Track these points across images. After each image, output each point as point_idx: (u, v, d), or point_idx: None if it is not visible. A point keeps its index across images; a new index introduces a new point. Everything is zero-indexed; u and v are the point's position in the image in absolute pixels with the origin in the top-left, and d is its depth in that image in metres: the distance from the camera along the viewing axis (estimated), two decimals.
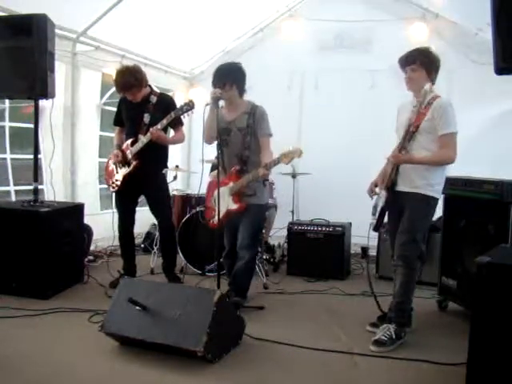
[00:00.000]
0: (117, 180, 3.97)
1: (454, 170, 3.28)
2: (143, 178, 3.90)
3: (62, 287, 3.81)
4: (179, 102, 4.28)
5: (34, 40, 3.52)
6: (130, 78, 3.76)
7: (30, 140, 4.15)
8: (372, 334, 3.00)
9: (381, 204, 3.06)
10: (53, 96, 3.78)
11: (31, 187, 3.92)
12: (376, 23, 5.48)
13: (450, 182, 3.33)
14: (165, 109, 3.85)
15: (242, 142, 3.48)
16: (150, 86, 4.00)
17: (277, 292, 4.08)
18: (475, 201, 3.31)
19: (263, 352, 2.82)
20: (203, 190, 3.86)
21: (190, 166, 6.49)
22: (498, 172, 3.41)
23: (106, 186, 4.30)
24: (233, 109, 3.54)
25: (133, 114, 3.94)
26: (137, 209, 4.20)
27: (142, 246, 5.40)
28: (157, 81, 5.29)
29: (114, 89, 4.42)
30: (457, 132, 2.91)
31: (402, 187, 3.02)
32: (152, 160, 3.90)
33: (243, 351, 2.81)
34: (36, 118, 3.84)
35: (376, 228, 3.10)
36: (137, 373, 2.51)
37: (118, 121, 4.11)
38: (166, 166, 4.12)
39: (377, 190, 3.15)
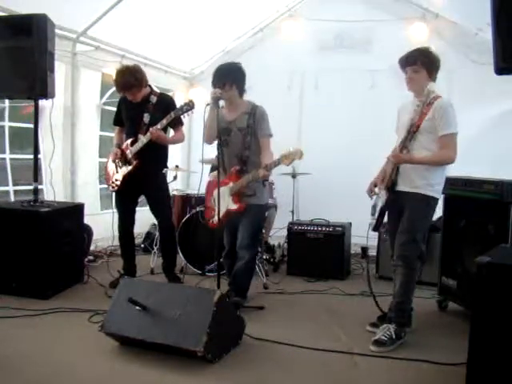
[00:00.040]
0: (117, 180, 3.97)
1: (454, 170, 3.28)
2: (143, 178, 3.90)
3: (62, 287, 3.81)
4: (179, 102, 4.28)
5: (33, 40, 3.52)
6: (130, 78, 3.76)
7: (29, 140, 4.15)
8: (372, 334, 3.01)
9: (380, 204, 3.07)
10: (53, 96, 3.78)
11: (30, 187, 3.93)
12: (376, 23, 5.48)
13: (450, 182, 3.33)
14: (165, 109, 3.85)
15: (242, 142, 3.47)
16: (150, 85, 4.00)
17: (277, 292, 4.08)
18: (475, 201, 3.31)
19: (263, 352, 2.81)
20: (203, 190, 3.86)
21: (190, 165, 6.48)
22: (498, 172, 3.42)
23: (106, 185, 4.30)
24: (233, 109, 3.53)
25: (133, 114, 3.94)
26: (137, 209, 4.20)
27: (142, 246, 5.40)
28: (157, 81, 5.29)
29: (113, 89, 4.43)
30: (457, 132, 2.91)
31: (402, 187, 3.02)
32: (152, 160, 3.90)
33: (243, 351, 2.81)
34: (36, 117, 3.84)
35: (375, 228, 3.10)
36: (137, 373, 2.51)
37: (118, 121, 4.11)
38: (166, 166, 4.12)
39: (376, 189, 3.15)
